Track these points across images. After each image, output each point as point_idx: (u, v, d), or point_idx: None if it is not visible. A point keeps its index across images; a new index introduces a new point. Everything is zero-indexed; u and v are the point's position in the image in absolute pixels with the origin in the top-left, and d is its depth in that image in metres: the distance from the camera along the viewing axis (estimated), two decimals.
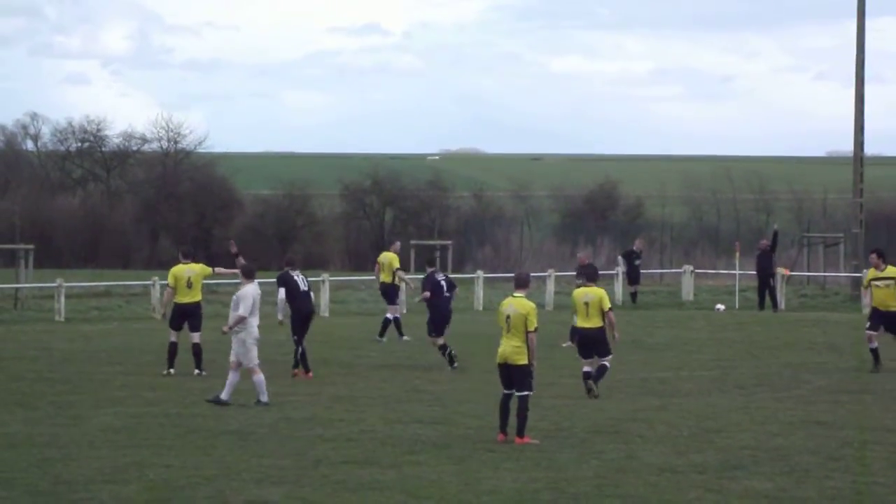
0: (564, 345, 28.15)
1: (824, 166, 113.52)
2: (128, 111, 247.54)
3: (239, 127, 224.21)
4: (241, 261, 23.50)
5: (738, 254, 44.23)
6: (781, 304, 42.02)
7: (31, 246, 45.93)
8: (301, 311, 25.29)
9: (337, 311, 40.18)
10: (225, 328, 20.93)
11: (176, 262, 26.11)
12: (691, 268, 48.44)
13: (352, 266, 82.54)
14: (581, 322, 21.69)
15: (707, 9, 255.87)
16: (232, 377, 20.57)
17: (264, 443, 17.14)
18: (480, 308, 41.87)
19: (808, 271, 50.30)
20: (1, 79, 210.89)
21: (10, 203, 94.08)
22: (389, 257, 32.54)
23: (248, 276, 21.31)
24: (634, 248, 45.28)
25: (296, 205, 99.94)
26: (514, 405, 17.30)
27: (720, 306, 42.10)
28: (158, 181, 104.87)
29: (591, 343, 21.61)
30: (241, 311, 20.60)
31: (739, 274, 44.61)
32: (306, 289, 25.62)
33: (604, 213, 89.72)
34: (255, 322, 20.73)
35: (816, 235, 53.99)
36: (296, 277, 25.41)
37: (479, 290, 43.38)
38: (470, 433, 18.00)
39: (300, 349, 24.92)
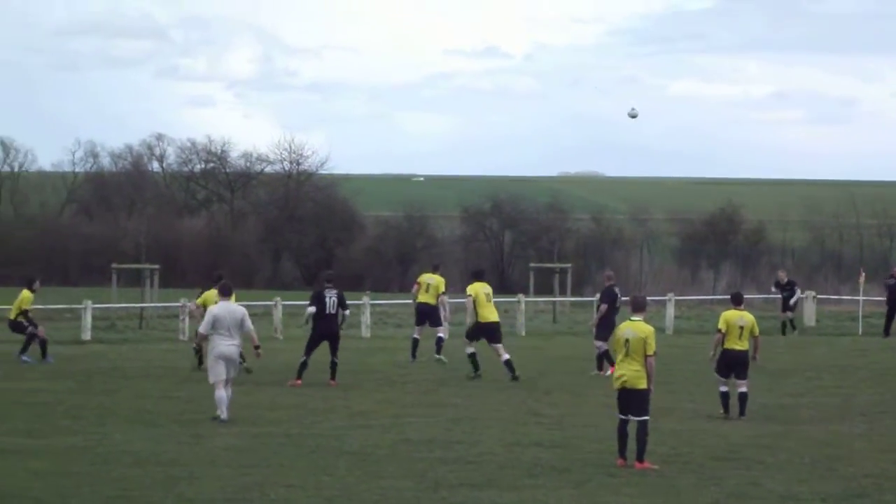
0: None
1: None
2: (251, 133, 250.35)
3: (359, 148, 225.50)
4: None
5: (862, 280, 43.62)
6: None
7: (156, 266, 46.66)
8: (323, 331, 26.58)
9: (456, 333, 40.23)
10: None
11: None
12: (813, 293, 47.87)
13: None
14: (731, 344, 22.35)
15: (826, 32, 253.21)
16: (218, 393, 20.88)
17: (384, 464, 17.25)
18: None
19: None
20: (128, 100, 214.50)
21: (136, 223, 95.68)
22: (437, 280, 32.49)
23: (224, 293, 21.72)
24: (779, 279, 44.24)
25: (415, 226, 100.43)
26: (632, 430, 17.25)
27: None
28: (281, 202, 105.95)
29: (736, 364, 22.33)
30: (200, 329, 21.41)
31: (863, 300, 44.03)
32: (333, 311, 26.77)
33: (725, 237, 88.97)
34: (219, 340, 20.97)
35: None
36: (327, 297, 26.34)
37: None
38: (589, 457, 17.97)
39: (305, 361, 26.51)
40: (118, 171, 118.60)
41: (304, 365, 26.46)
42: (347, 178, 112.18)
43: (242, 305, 44.93)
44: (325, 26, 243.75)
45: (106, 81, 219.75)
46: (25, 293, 31.89)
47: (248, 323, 21.36)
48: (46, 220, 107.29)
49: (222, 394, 20.99)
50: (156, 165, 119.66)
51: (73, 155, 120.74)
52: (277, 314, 42.44)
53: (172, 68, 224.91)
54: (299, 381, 26.24)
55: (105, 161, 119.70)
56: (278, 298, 43.58)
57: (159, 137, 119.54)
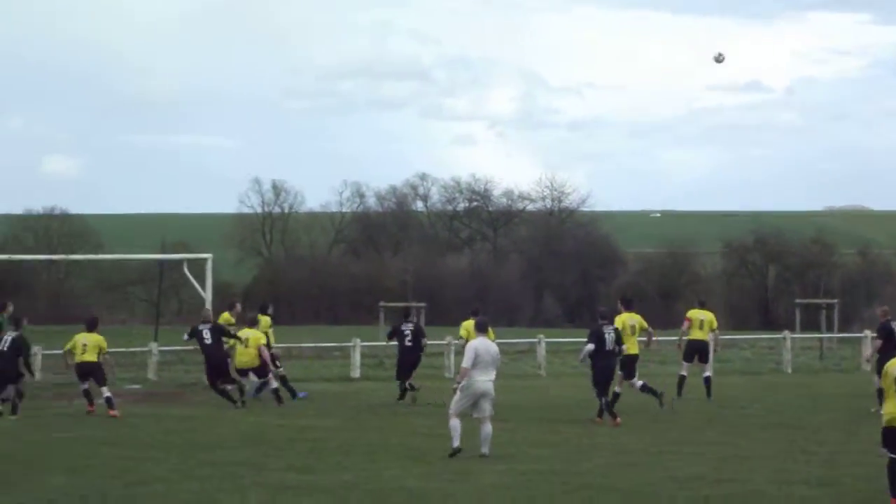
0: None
1: None
2: (512, 171, 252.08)
3: (619, 185, 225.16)
4: None
5: None
6: None
7: (422, 304, 47.42)
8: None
9: (722, 371, 39.85)
10: None
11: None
12: None
13: (733, 324, 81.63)
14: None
15: None
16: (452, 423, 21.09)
17: (651, 502, 17.22)
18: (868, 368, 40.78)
19: None
20: (393, 140, 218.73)
21: (401, 261, 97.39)
22: (709, 316, 32.13)
23: (481, 330, 22.00)
24: None
25: (678, 263, 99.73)
26: None
27: None
28: (543, 240, 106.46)
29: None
30: (464, 363, 21.49)
31: None
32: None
33: None
34: (477, 375, 21.16)
35: None
36: (605, 334, 26.83)
37: (868, 350, 42.27)
38: (860, 496, 17.63)
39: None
40: (384, 211, 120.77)
41: (605, 403, 26.45)
42: (608, 215, 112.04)
43: (507, 342, 45.40)
44: (588, 65, 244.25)
45: (372, 122, 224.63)
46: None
47: (499, 362, 21.82)
48: (315, 260, 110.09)
49: (457, 423, 21.25)
50: (420, 205, 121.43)
51: (341, 195, 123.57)
52: (541, 351, 42.71)
53: (436, 108, 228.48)
54: (599, 420, 26.29)
55: (371, 201, 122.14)
56: (541, 336, 43.87)
57: (423, 177, 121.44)
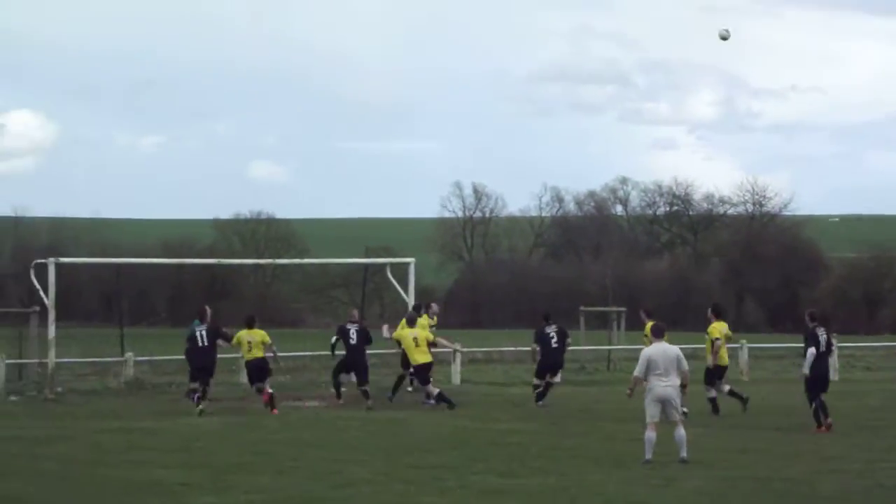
0: None
1: None
2: (712, 175, 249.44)
3: (822, 188, 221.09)
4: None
5: None
6: None
7: (622, 308, 47.28)
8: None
9: None
10: None
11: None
12: None
13: None
14: None
15: None
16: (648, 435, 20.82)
17: None
18: None
19: None
20: (592, 145, 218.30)
21: (600, 266, 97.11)
22: None
23: (657, 335, 21.71)
24: None
25: (882, 267, 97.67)
26: None
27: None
28: (743, 244, 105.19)
29: None
30: (635, 372, 21.40)
31: None
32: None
33: None
34: (656, 382, 21.05)
35: None
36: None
37: None
38: None
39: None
40: (583, 215, 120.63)
41: (821, 403, 26.26)
42: (811, 219, 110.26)
43: (705, 348, 45.04)
44: (792, 67, 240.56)
45: (571, 127, 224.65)
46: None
47: (684, 363, 21.41)
48: (515, 264, 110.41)
49: (652, 435, 21.06)
50: (619, 209, 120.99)
51: (540, 200, 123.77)
52: (743, 356, 42.29)
53: (636, 112, 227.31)
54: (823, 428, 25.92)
55: (570, 205, 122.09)
56: (744, 341, 43.45)
57: (623, 181, 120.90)
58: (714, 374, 29.60)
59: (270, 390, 30.55)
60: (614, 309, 47.81)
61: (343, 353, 32.43)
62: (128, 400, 33.31)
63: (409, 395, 34.31)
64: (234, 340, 30.85)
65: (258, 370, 30.80)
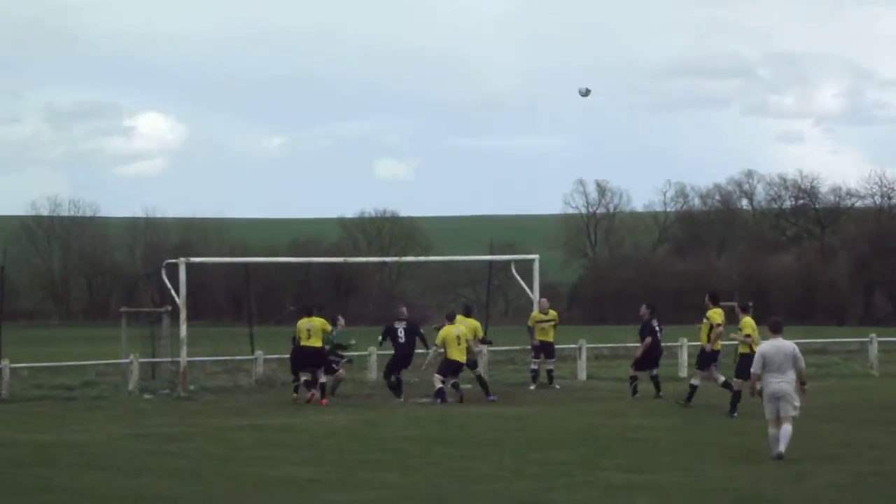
0: None
1: None
2: (839, 168, 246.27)
3: None
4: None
5: None
6: None
7: (749, 303, 46.83)
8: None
9: None
10: None
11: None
12: None
13: None
14: None
15: None
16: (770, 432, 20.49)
17: None
18: None
19: None
20: (717, 138, 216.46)
21: (726, 260, 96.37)
22: None
23: (775, 330, 21.31)
24: None
25: None
26: None
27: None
28: (872, 237, 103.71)
29: None
30: (752, 368, 21.46)
31: None
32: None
33: None
34: (770, 378, 20.94)
35: None
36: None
37: None
38: None
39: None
40: (707, 210, 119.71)
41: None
42: None
43: (836, 341, 44.62)
44: None
45: (696, 121, 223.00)
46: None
47: (801, 360, 21.12)
48: (640, 260, 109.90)
49: (774, 432, 20.83)
50: (745, 203, 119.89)
51: (664, 195, 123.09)
52: (872, 350, 41.76)
53: (761, 105, 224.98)
54: None
55: (694, 200, 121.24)
56: (873, 335, 42.88)
57: (749, 174, 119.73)
58: (710, 359, 29.39)
59: (323, 380, 31.61)
60: (737, 304, 47.38)
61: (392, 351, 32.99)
62: (258, 397, 33.77)
63: (529, 393, 34.41)
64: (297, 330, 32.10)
65: (314, 357, 31.66)
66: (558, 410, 29.67)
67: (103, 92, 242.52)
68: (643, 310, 33.08)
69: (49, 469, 20.80)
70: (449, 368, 32.03)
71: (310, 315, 32.10)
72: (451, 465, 20.66)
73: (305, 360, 31.77)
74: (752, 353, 28.35)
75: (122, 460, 21.69)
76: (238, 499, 17.53)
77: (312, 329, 31.75)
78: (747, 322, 28.76)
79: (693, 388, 29.69)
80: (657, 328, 32.73)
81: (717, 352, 30.11)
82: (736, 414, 27.84)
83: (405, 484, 18.65)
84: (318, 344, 31.71)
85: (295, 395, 31.82)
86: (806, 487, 18.15)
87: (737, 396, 28.14)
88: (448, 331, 32.28)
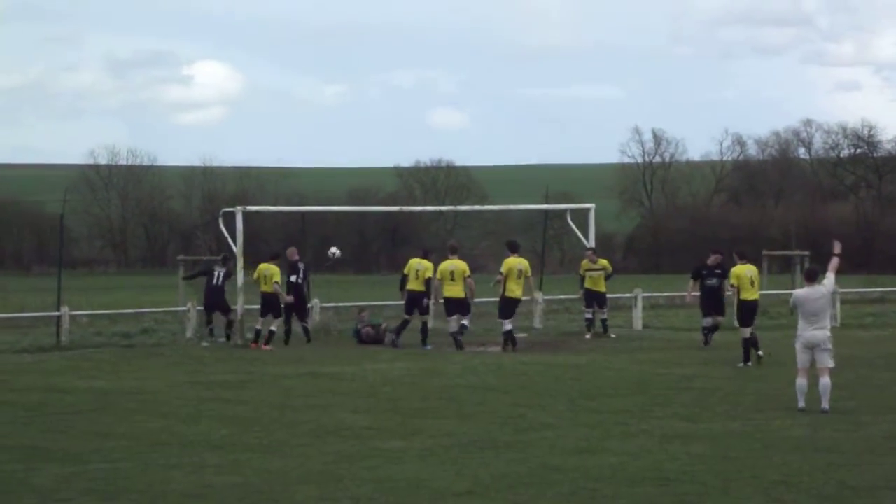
0: None
1: None
2: None
3: None
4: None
5: None
6: None
7: (806, 252, 46.68)
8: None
9: None
10: None
11: None
12: None
13: None
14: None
15: None
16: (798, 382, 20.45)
17: None
18: None
19: None
20: (773, 87, 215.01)
21: (783, 210, 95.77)
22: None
23: (810, 279, 21.12)
24: None
25: None
26: None
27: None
28: None
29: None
30: None
31: None
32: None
33: None
34: (804, 325, 20.68)
35: None
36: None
37: None
38: None
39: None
40: (765, 159, 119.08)
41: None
42: None
43: (892, 291, 44.09)
44: None
45: (753, 70, 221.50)
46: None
47: (830, 300, 20.97)
48: (696, 209, 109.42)
49: (802, 383, 20.66)
50: (802, 152, 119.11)
51: (721, 144, 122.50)
52: None
53: (818, 54, 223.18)
54: None
55: (751, 149, 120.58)
56: None
57: (807, 123, 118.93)
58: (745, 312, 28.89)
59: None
60: (797, 253, 47.20)
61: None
62: (314, 346, 33.92)
63: (584, 342, 34.40)
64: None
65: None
66: (614, 359, 29.65)
67: (162, 41, 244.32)
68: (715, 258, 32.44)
69: (107, 415, 21.01)
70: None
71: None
72: (506, 413, 20.71)
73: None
74: (744, 300, 28.49)
75: (179, 407, 21.88)
76: (295, 446, 17.64)
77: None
78: (734, 272, 28.83)
79: (746, 341, 29.01)
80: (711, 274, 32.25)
81: (747, 301, 28.99)
82: (750, 363, 27.90)
83: (461, 432, 18.71)
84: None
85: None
86: (863, 437, 18.10)
87: (746, 344, 28.25)
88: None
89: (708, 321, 32.21)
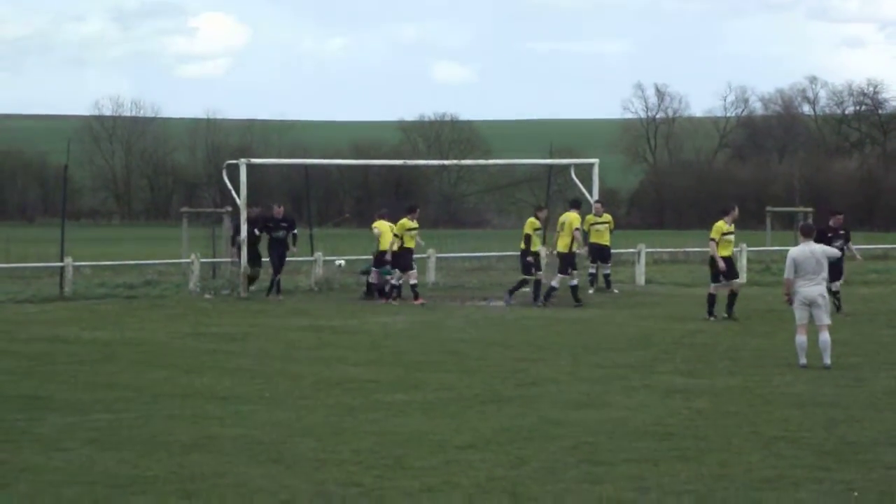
0: None
1: None
2: None
3: None
4: None
5: None
6: None
7: (809, 209, 46.65)
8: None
9: None
10: None
11: None
12: None
13: None
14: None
15: None
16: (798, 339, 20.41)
17: None
18: None
19: None
20: (778, 43, 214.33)
21: (787, 166, 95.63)
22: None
23: (805, 234, 21.16)
24: None
25: None
26: None
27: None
28: None
29: None
30: (785, 274, 20.90)
31: None
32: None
33: None
34: (802, 283, 20.59)
35: None
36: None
37: None
38: None
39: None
40: (769, 115, 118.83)
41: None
42: None
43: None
44: None
45: (757, 26, 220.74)
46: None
47: (829, 255, 21.02)
48: (700, 165, 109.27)
49: (802, 339, 20.64)
50: (807, 108, 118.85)
51: (725, 100, 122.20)
52: None
53: (823, 10, 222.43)
54: None
55: (756, 105, 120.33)
56: None
57: (812, 80, 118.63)
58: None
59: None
60: (801, 209, 47.17)
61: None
62: (317, 299, 33.97)
63: (587, 297, 34.40)
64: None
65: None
66: (616, 314, 29.69)
67: None
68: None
69: (111, 366, 21.08)
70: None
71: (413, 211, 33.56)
72: (509, 367, 20.76)
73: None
74: (722, 256, 28.48)
75: (182, 358, 21.94)
76: (298, 398, 17.69)
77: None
78: (714, 227, 28.84)
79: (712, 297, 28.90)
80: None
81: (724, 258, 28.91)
82: (713, 318, 28.07)
83: (463, 385, 18.76)
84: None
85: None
86: (865, 392, 18.13)
87: (711, 299, 28.45)
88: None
89: (836, 285, 30.56)
